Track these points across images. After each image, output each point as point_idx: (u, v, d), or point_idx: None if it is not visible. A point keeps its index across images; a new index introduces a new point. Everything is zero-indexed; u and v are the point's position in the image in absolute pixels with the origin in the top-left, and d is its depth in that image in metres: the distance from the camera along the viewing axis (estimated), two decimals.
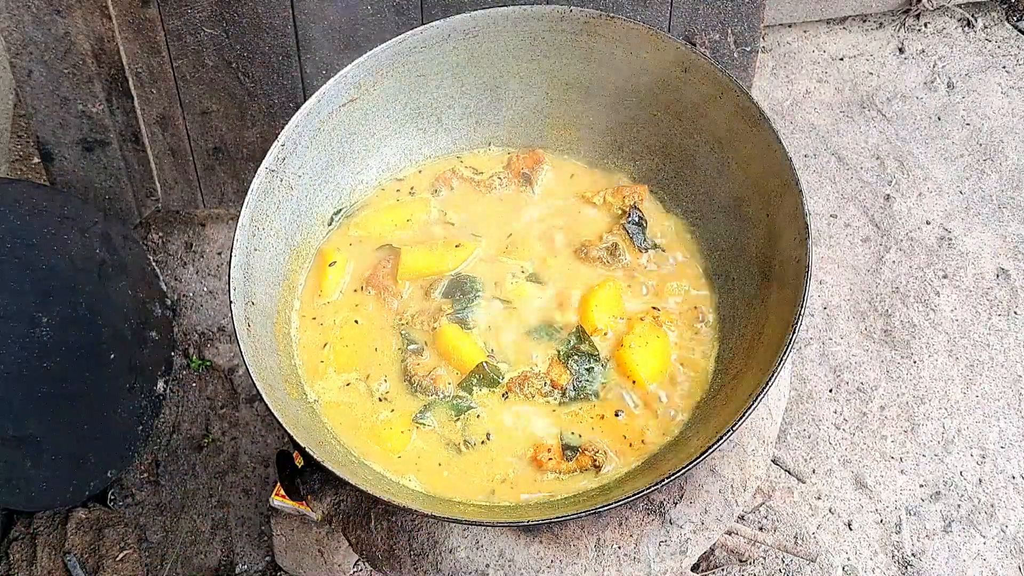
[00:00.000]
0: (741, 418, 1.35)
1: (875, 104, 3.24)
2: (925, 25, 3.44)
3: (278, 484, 2.11)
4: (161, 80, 2.43)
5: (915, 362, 2.73)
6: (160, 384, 2.58)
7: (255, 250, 1.61)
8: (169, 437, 2.59)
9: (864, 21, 3.45)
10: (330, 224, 1.85)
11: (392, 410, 1.65)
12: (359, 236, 1.85)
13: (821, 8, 3.34)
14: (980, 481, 2.54)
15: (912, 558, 2.42)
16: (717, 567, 2.38)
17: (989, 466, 2.56)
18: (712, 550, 2.37)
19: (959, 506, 2.50)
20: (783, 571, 2.41)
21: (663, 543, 1.56)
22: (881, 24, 3.44)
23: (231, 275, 1.52)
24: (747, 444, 1.67)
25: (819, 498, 2.52)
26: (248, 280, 1.57)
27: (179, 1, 2.30)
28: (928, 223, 2.99)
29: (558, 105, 1.91)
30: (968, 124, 3.21)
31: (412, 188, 1.92)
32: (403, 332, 1.73)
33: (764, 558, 2.41)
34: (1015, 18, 3.46)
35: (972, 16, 3.45)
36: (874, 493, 2.52)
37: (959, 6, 3.44)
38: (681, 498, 1.58)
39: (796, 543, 2.39)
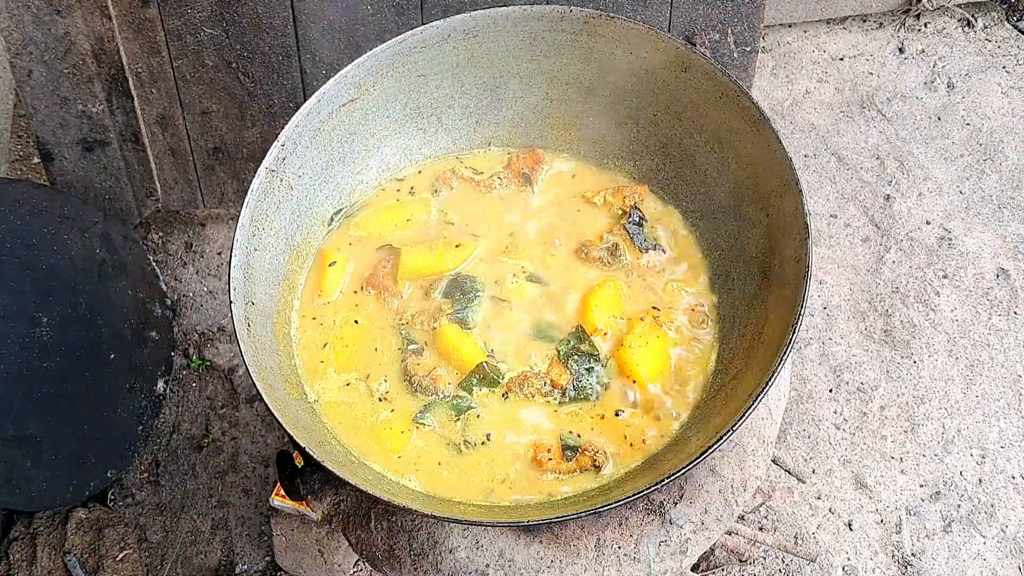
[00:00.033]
0: (741, 418, 1.35)
1: (875, 104, 3.24)
2: (925, 25, 3.43)
3: (278, 484, 2.11)
4: (161, 80, 2.43)
5: (915, 362, 2.73)
6: (160, 384, 2.58)
7: (255, 250, 1.61)
8: (169, 437, 2.59)
9: (864, 21, 3.45)
10: (330, 224, 1.85)
11: (392, 410, 1.65)
12: (359, 236, 1.85)
13: (821, 8, 3.34)
14: (980, 481, 2.54)
15: (912, 558, 2.42)
16: (717, 567, 2.38)
17: (989, 466, 2.56)
18: (712, 550, 2.36)
19: (959, 506, 2.50)
20: (783, 571, 2.41)
21: (663, 543, 1.56)
22: (881, 24, 3.44)
23: (231, 275, 1.52)
24: (747, 444, 1.67)
25: (819, 498, 2.51)
26: (248, 280, 1.57)
27: (179, 1, 2.30)
28: (928, 223, 2.98)
29: (558, 105, 1.91)
30: (968, 124, 3.21)
31: (412, 188, 1.92)
32: (403, 332, 1.73)
33: (764, 558, 2.41)
34: (1015, 18, 3.46)
35: (972, 16, 3.45)
36: (874, 493, 2.52)
37: (959, 6, 3.44)
38: (681, 498, 1.58)
39: (796, 543, 2.39)
